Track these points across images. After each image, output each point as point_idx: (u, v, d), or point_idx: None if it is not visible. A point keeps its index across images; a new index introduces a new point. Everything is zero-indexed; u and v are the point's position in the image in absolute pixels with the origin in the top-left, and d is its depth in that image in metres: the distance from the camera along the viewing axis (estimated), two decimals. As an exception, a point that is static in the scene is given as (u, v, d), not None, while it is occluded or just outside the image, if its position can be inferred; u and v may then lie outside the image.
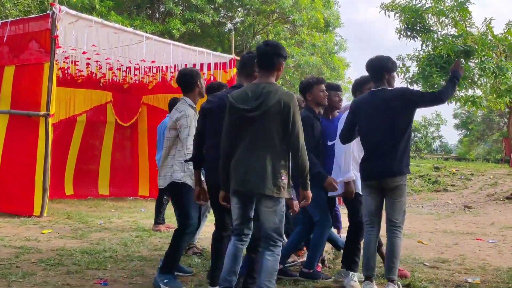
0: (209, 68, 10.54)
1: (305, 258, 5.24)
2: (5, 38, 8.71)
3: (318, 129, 4.91)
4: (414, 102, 4.53)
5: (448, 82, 4.67)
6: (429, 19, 6.04)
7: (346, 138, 4.69)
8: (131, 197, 12.13)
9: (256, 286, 3.75)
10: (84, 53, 9.68)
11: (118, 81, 11.51)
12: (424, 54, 5.97)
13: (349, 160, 4.79)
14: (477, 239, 7.89)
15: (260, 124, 3.68)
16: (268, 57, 3.80)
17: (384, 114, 4.44)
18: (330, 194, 4.96)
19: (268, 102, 3.66)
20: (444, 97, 4.57)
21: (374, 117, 4.48)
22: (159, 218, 7.64)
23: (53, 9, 8.21)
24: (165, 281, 4.47)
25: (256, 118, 3.68)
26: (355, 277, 4.70)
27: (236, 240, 3.84)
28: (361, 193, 4.70)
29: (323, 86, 5.03)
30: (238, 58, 12.58)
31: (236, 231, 3.84)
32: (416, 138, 37.42)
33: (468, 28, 5.82)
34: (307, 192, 3.84)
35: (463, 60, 5.19)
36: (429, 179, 15.39)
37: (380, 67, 4.63)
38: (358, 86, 5.09)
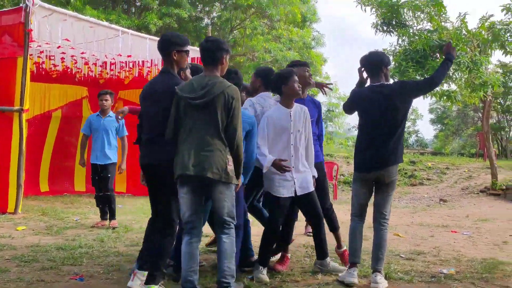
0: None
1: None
2: (-23, 32, 8.54)
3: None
4: (413, 93, 4.65)
5: (441, 64, 4.78)
6: (405, 14, 6.11)
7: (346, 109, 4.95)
8: (107, 193, 12.00)
9: (218, 269, 3.88)
10: (58, 47, 9.52)
11: (94, 76, 11.34)
12: (400, 49, 6.04)
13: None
14: (452, 231, 8.00)
15: (205, 111, 3.86)
16: (210, 53, 3.99)
17: (385, 110, 4.53)
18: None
19: (212, 92, 3.85)
20: (438, 80, 4.71)
21: (374, 113, 4.57)
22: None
23: (26, 2, 8.06)
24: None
25: (201, 106, 3.85)
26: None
27: (189, 238, 3.89)
28: (274, 194, 4.74)
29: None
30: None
31: (188, 224, 3.90)
32: (392, 133, 37.68)
33: (443, 23, 5.89)
34: (238, 186, 4.12)
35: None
36: (406, 173, 15.54)
37: (378, 62, 4.70)
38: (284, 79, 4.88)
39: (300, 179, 4.76)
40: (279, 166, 4.60)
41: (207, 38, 4.15)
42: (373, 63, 4.72)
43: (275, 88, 4.94)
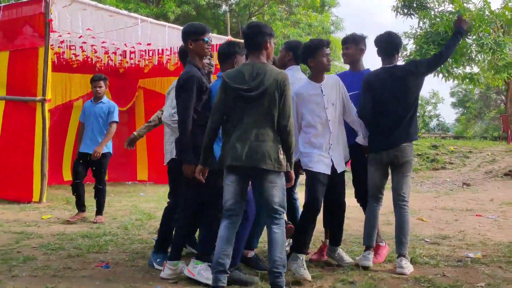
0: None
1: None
2: (-2, 23, 8.64)
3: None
4: (425, 71, 4.68)
5: (451, 38, 4.80)
6: (426, -4, 6.00)
7: (365, 114, 4.66)
8: (130, 182, 12.13)
9: (269, 260, 3.83)
10: (80, 37, 9.57)
11: (113, 65, 11.40)
12: (421, 31, 5.94)
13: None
14: (476, 215, 7.92)
15: (258, 102, 3.77)
16: (252, 39, 3.91)
17: (398, 91, 4.56)
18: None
19: (265, 82, 3.75)
20: (446, 54, 4.76)
21: (389, 95, 4.57)
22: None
23: (47, -8, 8.12)
24: (158, 260, 4.52)
25: (255, 98, 3.76)
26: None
27: (228, 223, 3.87)
28: (313, 170, 4.50)
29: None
30: (234, 39, 12.55)
31: (229, 212, 3.87)
32: (413, 117, 37.39)
33: (465, 4, 5.77)
34: (291, 172, 3.96)
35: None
36: (427, 157, 15.40)
37: (397, 44, 4.73)
38: (312, 51, 4.62)
39: (336, 157, 4.57)
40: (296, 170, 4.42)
41: (249, 24, 4.06)
42: (392, 44, 4.71)
43: (303, 61, 4.74)
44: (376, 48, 4.81)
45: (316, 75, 4.59)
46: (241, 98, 3.79)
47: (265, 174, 3.76)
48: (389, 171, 4.76)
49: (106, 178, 11.69)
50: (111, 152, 7.19)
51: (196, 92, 4.12)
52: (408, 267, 4.44)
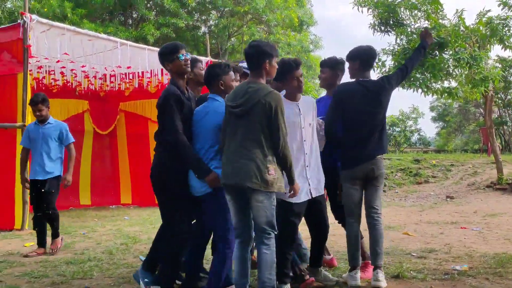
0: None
1: None
2: (-25, 50, 8.56)
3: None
4: (394, 86, 4.74)
5: (414, 51, 4.95)
6: (402, 13, 6.10)
7: (332, 130, 4.62)
8: (114, 206, 12.01)
9: (258, 280, 3.83)
10: (58, 61, 9.53)
11: (94, 89, 11.36)
12: (399, 48, 6.03)
13: None
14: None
15: (246, 121, 3.82)
16: (251, 58, 3.95)
17: (372, 105, 4.56)
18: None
19: (251, 100, 3.80)
20: (411, 67, 4.88)
21: (363, 108, 4.53)
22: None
23: (24, 18, 8.09)
24: (145, 280, 4.35)
25: (240, 115, 3.83)
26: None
27: (239, 242, 3.92)
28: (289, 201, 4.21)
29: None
30: (214, 60, 12.57)
31: (236, 231, 3.93)
32: (395, 133, 37.71)
33: (440, 20, 5.88)
34: (294, 185, 3.99)
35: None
36: (410, 171, 15.51)
37: (374, 57, 4.79)
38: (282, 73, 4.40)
39: (314, 179, 4.39)
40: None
41: (250, 43, 4.06)
42: (372, 57, 4.77)
43: (276, 79, 4.39)
44: (350, 61, 4.71)
45: (290, 95, 4.40)
46: (230, 115, 3.89)
47: (253, 193, 3.77)
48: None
49: (89, 202, 11.68)
50: (62, 175, 6.55)
51: (176, 108, 4.05)
52: (383, 280, 4.43)
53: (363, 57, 4.68)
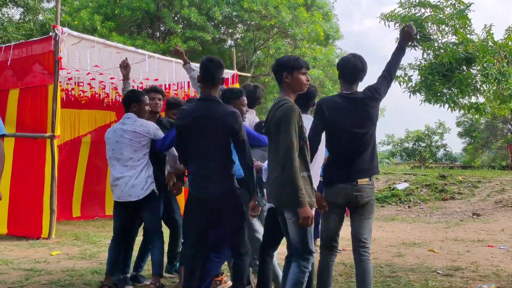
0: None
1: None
2: (8, 62, 8.77)
3: None
4: (382, 95, 4.23)
5: (393, 53, 4.44)
6: (429, 28, 6.07)
7: (314, 146, 4.06)
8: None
9: None
10: (88, 74, 9.72)
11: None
12: (425, 62, 6.00)
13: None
14: (488, 246, 7.84)
15: (272, 137, 3.84)
16: (275, 74, 3.93)
17: (360, 118, 4.08)
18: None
19: (271, 116, 3.84)
20: (393, 72, 4.37)
21: (349, 122, 4.06)
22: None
23: (56, 31, 8.27)
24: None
25: (267, 133, 3.93)
26: None
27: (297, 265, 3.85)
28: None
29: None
30: (240, 73, 12.66)
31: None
32: (420, 148, 37.33)
33: (468, 35, 5.85)
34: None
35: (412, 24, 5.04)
36: (436, 187, 15.32)
37: (361, 69, 4.19)
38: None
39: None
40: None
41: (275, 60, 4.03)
42: (361, 68, 4.19)
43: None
44: (338, 72, 4.28)
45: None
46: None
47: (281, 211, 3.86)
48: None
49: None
50: None
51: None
52: None
53: (345, 69, 4.20)
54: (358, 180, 4.00)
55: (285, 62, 3.86)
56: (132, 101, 5.03)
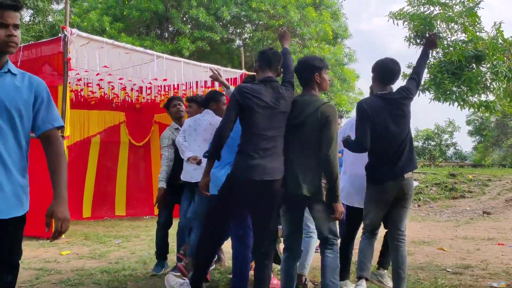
0: (220, 85, 10.59)
1: None
2: (18, 63, 8.80)
3: None
4: (413, 96, 4.60)
5: (419, 59, 4.80)
6: (438, 26, 6.05)
7: (365, 144, 4.38)
8: (148, 216, 12.15)
9: (322, 284, 3.93)
10: (97, 74, 9.76)
11: (130, 101, 11.59)
12: (435, 61, 5.98)
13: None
14: (498, 244, 7.80)
15: (301, 131, 3.95)
16: (301, 74, 4.13)
17: (397, 118, 4.40)
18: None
19: (307, 111, 3.94)
20: (421, 74, 4.77)
21: (389, 122, 4.37)
22: None
23: (65, 32, 8.30)
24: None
25: (296, 126, 3.97)
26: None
27: (286, 256, 4.05)
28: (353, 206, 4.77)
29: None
30: (249, 73, 12.66)
31: (286, 243, 4.08)
32: (430, 146, 37.18)
33: (478, 33, 5.81)
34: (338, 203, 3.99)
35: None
36: (446, 186, 15.26)
37: (398, 71, 4.59)
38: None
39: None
40: None
41: (298, 61, 4.23)
42: (392, 71, 4.55)
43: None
44: (373, 74, 4.63)
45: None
46: (289, 126, 3.99)
47: (313, 203, 3.91)
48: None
49: (123, 213, 11.83)
50: None
51: None
52: None
53: (381, 71, 4.56)
54: (405, 175, 4.34)
55: (316, 62, 4.11)
56: (211, 100, 5.50)
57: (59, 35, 8.58)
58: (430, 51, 5.00)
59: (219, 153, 3.83)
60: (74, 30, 8.48)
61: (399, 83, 4.82)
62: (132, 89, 11.34)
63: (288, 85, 4.16)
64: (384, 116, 4.38)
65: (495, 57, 5.29)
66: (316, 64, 4.06)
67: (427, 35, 5.08)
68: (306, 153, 3.90)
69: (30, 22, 19.13)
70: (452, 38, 5.98)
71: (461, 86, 5.37)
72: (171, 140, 6.05)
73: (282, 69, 4.26)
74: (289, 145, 3.95)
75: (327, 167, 3.87)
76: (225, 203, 3.92)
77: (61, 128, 2.99)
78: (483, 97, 5.94)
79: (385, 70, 4.54)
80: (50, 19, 19.04)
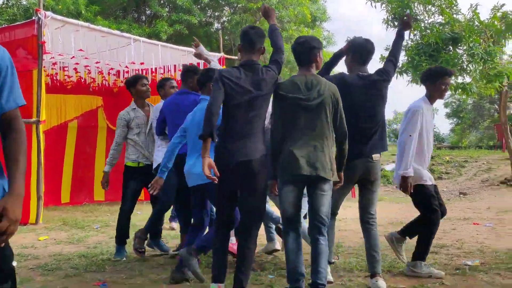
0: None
1: None
2: (-9, 47, 8.65)
3: None
4: (391, 78, 4.58)
5: (394, 41, 4.78)
6: (416, 8, 6.08)
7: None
8: (126, 201, 12.07)
9: (313, 271, 3.84)
10: (72, 57, 9.61)
11: (108, 85, 11.44)
12: (412, 43, 6.02)
13: (408, 154, 4.62)
14: (474, 223, 7.94)
15: (314, 112, 3.91)
16: (302, 54, 4.09)
17: (375, 98, 4.41)
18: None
19: (322, 92, 3.92)
20: (398, 56, 4.80)
21: (366, 102, 4.36)
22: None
23: (39, 15, 8.16)
24: None
25: (312, 107, 3.90)
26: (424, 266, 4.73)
27: (296, 234, 3.94)
28: (425, 185, 4.82)
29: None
30: (227, 56, 12.56)
31: (292, 223, 3.95)
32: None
33: (454, 15, 5.86)
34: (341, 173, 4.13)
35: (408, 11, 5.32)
36: (423, 168, 15.42)
37: (373, 50, 4.58)
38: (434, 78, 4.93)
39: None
40: None
41: (297, 40, 4.21)
42: (373, 51, 4.57)
43: (423, 82, 4.99)
44: (350, 55, 4.61)
45: (432, 99, 4.87)
46: (299, 107, 3.92)
47: (319, 182, 3.86)
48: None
49: (102, 198, 11.74)
50: None
51: None
52: (384, 287, 4.21)
53: (360, 50, 4.54)
54: (373, 156, 4.36)
55: (315, 43, 4.11)
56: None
57: (33, 18, 8.43)
58: (405, 32, 5.00)
59: (213, 132, 3.79)
60: (49, 13, 8.34)
61: (377, 66, 4.83)
62: (109, 73, 11.20)
63: (274, 65, 4.13)
64: (363, 95, 4.37)
65: (471, 39, 5.34)
66: (316, 45, 4.08)
67: (403, 17, 5.09)
68: (319, 134, 3.89)
69: (3, 5, 18.73)
70: (430, 21, 6.02)
71: (438, 68, 5.41)
72: (124, 121, 5.94)
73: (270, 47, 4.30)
74: (298, 126, 3.91)
75: (344, 143, 4.02)
76: (224, 186, 3.96)
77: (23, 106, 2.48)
78: (459, 79, 6.00)
79: (363, 51, 4.52)
80: (24, 2, 18.65)
